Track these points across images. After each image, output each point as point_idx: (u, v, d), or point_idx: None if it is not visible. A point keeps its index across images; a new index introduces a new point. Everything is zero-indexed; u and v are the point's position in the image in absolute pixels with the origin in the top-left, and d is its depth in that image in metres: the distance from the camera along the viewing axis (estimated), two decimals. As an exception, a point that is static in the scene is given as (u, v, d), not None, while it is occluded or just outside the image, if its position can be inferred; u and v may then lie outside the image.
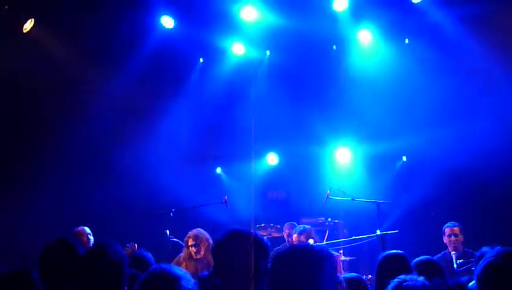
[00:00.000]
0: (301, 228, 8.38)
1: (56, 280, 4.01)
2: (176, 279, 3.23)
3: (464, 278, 4.39)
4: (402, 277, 3.41)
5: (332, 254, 3.06)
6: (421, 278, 3.37)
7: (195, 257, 7.70)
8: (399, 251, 4.97)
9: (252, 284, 3.15)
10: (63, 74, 10.09)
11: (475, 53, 9.68)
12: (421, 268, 4.63)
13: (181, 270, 3.53)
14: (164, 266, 3.59)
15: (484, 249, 4.95)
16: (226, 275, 3.18)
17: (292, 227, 9.05)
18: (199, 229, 7.88)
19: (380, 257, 4.94)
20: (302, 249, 3.01)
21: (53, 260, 4.10)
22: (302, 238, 8.19)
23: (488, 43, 9.54)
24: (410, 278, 3.39)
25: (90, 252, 3.42)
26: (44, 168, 10.07)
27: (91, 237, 8.05)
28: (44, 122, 10.24)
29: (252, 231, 3.37)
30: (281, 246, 8.68)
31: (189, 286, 3.25)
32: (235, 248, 3.23)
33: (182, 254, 7.98)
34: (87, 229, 8.09)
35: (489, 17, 9.49)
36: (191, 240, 7.75)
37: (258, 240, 3.34)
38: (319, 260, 2.88)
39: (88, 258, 3.38)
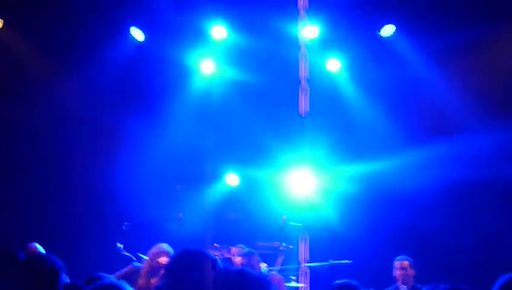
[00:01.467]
0: (245, 251, 8.33)
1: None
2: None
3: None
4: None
5: (270, 281, 3.07)
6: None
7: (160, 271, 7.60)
8: (350, 281, 4.97)
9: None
10: (24, 77, 9.96)
11: (439, 88, 9.88)
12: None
13: (128, 286, 3.48)
14: (111, 280, 3.53)
15: (430, 286, 4.97)
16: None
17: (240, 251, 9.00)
18: (162, 244, 7.77)
19: (332, 285, 4.94)
20: (239, 273, 3.02)
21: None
22: (245, 261, 8.15)
23: (455, 79, 9.73)
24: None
25: (26, 260, 3.35)
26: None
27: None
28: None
29: (203, 251, 3.34)
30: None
31: None
32: (186, 267, 3.20)
33: (142, 266, 7.82)
34: (38, 246, 7.91)
35: (458, 51, 9.68)
36: (162, 258, 7.60)
37: (210, 261, 3.32)
38: (256, 284, 2.90)
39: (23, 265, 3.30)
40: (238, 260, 8.17)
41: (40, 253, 5.40)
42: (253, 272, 2.98)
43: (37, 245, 7.89)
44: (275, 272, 8.08)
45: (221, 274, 2.92)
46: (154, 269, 7.59)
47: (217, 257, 8.11)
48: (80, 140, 10.49)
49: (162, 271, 7.48)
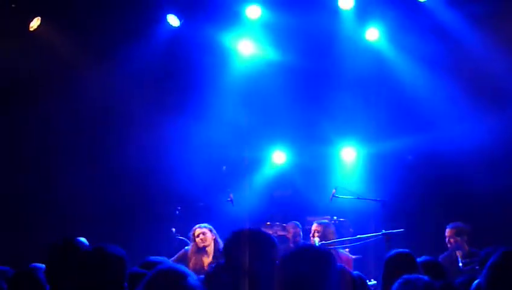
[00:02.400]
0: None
1: (61, 279, 4.03)
2: (182, 276, 3.24)
3: (468, 277, 4.37)
4: (407, 276, 3.43)
5: (333, 254, 3.09)
6: (426, 278, 3.38)
7: (202, 246, 7.81)
8: (405, 250, 4.96)
9: (259, 281, 3.17)
10: (66, 72, 10.12)
11: (480, 55, 9.66)
12: (425, 268, 4.62)
13: (186, 269, 3.55)
14: (170, 264, 3.62)
15: (487, 249, 4.95)
16: (235, 272, 3.20)
17: (296, 227, 9.20)
18: (199, 224, 8.02)
19: (387, 256, 4.94)
20: (309, 249, 3.04)
21: (59, 259, 4.12)
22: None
23: (494, 44, 9.51)
24: (415, 278, 3.41)
25: (90, 250, 3.43)
26: (50, 165, 10.09)
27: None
28: (46, 121, 10.23)
29: (260, 229, 3.39)
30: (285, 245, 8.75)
31: (196, 283, 3.26)
32: (244, 246, 3.25)
33: (189, 248, 8.05)
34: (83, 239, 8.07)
35: (496, 17, 9.45)
36: (197, 230, 7.90)
37: (266, 238, 3.36)
38: (326, 260, 2.90)
39: (87, 254, 3.39)
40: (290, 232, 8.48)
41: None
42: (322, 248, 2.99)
43: (82, 239, 8.05)
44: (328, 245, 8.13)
45: (290, 253, 2.93)
46: (198, 248, 7.83)
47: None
48: (125, 128, 10.60)
49: (208, 248, 7.73)
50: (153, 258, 4.87)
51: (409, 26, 10.16)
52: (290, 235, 9.28)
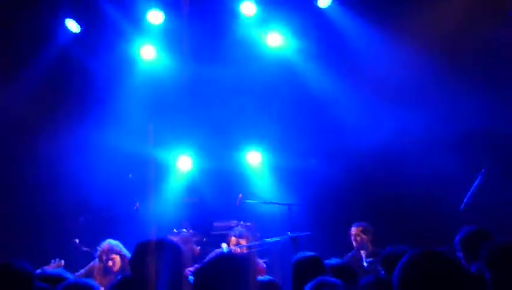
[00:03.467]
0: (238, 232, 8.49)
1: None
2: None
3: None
4: (321, 278, 3.51)
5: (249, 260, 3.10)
6: (338, 282, 3.48)
7: (112, 270, 7.57)
8: (311, 253, 5.05)
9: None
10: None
11: (381, 55, 9.99)
12: (334, 271, 4.71)
13: (93, 282, 3.48)
14: (77, 279, 3.53)
15: (388, 248, 5.11)
16: (141, 285, 3.15)
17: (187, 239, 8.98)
18: (110, 241, 7.73)
19: (294, 259, 5.01)
20: (224, 257, 3.04)
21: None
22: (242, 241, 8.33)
23: (395, 44, 9.84)
24: (328, 281, 3.49)
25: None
26: None
27: None
28: None
29: (164, 238, 3.34)
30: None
31: None
32: (149, 257, 3.20)
33: (95, 264, 7.82)
34: None
35: (397, 21, 9.79)
36: (104, 255, 7.62)
37: (171, 247, 3.32)
38: (242, 266, 2.90)
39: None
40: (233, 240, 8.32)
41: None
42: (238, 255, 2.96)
43: None
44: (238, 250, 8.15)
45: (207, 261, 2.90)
46: (106, 268, 7.59)
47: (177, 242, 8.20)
48: (25, 138, 10.25)
49: (115, 269, 7.50)
50: (49, 271, 4.73)
51: (310, 31, 10.38)
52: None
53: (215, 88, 10.62)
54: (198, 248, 9.03)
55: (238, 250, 8.12)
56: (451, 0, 9.61)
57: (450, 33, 9.48)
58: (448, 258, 2.57)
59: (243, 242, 8.34)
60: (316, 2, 10.09)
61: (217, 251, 8.31)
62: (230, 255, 2.95)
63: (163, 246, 3.26)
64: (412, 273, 2.53)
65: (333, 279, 3.53)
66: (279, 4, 10.08)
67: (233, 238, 8.38)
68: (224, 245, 8.36)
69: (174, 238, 8.74)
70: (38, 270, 5.70)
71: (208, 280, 2.80)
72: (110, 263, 7.55)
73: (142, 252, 3.24)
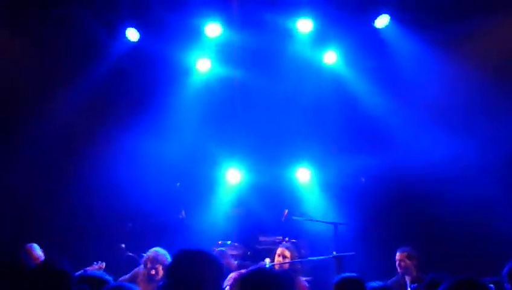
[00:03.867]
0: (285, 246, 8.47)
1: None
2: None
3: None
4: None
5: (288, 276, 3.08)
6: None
7: (154, 279, 7.62)
8: (353, 274, 4.99)
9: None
10: (22, 83, 9.94)
11: (436, 76, 9.87)
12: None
13: (135, 287, 3.51)
14: (119, 283, 3.57)
15: (432, 274, 5.01)
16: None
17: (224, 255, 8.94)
18: (157, 249, 7.77)
19: (336, 279, 4.96)
20: (263, 271, 3.01)
21: (2, 276, 4.02)
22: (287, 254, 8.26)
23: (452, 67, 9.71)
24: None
25: (36, 267, 3.35)
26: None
27: (40, 254, 7.87)
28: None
29: (204, 250, 3.33)
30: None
31: None
32: (186, 267, 3.20)
33: (140, 270, 7.89)
34: (36, 247, 7.87)
35: (455, 42, 9.66)
36: (149, 262, 7.67)
37: (211, 260, 3.32)
38: (279, 282, 2.88)
39: (34, 272, 3.30)
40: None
41: (45, 256, 5.41)
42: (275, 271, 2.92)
43: (35, 246, 7.88)
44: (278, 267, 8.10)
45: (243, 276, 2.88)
46: (150, 277, 7.63)
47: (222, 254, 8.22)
48: (82, 146, 10.46)
49: (157, 277, 7.55)
50: (90, 272, 4.80)
51: (366, 50, 10.34)
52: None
53: (268, 103, 10.65)
54: (236, 262, 9.02)
55: (278, 266, 8.05)
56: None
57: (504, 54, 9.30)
58: (485, 287, 2.50)
59: (287, 254, 8.27)
60: (373, 22, 10.03)
61: (261, 264, 8.28)
62: (269, 270, 2.91)
63: (201, 257, 3.25)
64: None
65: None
66: (336, 22, 10.05)
67: (279, 251, 8.34)
68: (267, 260, 8.33)
69: (215, 249, 8.84)
70: (80, 272, 5.81)
71: None
72: (153, 271, 7.59)
73: (179, 261, 3.24)
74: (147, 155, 10.28)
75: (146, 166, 10.27)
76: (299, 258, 8.54)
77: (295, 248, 8.55)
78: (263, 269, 3.23)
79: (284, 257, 8.25)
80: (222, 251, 8.84)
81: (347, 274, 4.99)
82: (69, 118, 10.21)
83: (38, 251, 7.84)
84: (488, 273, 5.75)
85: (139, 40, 10.31)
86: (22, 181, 9.93)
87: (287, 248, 8.39)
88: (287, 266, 8.11)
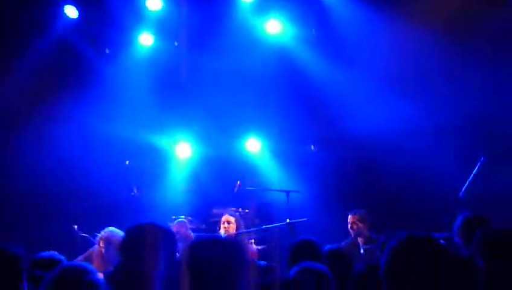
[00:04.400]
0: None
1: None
2: (85, 273, 3.18)
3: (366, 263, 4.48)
4: (306, 263, 3.51)
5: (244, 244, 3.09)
6: (324, 268, 3.48)
7: (109, 258, 7.56)
8: (309, 237, 5.04)
9: (156, 277, 3.11)
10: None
11: (386, 40, 9.92)
12: (330, 257, 4.70)
13: (90, 266, 3.47)
14: (72, 262, 3.53)
15: (386, 235, 5.09)
16: (130, 271, 3.13)
17: (183, 225, 8.96)
18: (111, 229, 7.70)
19: (291, 242, 5.00)
20: (220, 239, 3.04)
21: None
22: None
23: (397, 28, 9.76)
24: (314, 267, 3.50)
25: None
26: None
27: None
28: None
29: (155, 222, 3.30)
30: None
31: (99, 281, 3.19)
32: (138, 242, 3.17)
33: (94, 250, 7.82)
34: None
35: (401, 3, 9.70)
36: (102, 242, 7.60)
37: (163, 231, 3.29)
38: (238, 248, 2.89)
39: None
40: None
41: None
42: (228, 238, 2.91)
43: None
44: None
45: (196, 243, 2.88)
46: (104, 255, 7.57)
47: (174, 229, 8.20)
48: (24, 125, 10.23)
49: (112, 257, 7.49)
50: (46, 253, 4.73)
51: (310, 18, 10.35)
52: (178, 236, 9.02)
53: (214, 75, 10.59)
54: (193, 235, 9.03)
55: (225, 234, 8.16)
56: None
57: (453, 15, 9.38)
58: (437, 242, 2.55)
59: (231, 219, 8.41)
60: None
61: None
62: (218, 237, 2.92)
63: (154, 230, 3.22)
64: (397, 257, 2.51)
65: (319, 265, 3.50)
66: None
67: (223, 219, 8.45)
68: (222, 231, 8.38)
69: (171, 225, 8.80)
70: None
71: (199, 262, 2.77)
72: (107, 250, 7.54)
73: (132, 236, 3.21)
74: (96, 133, 10.14)
75: (95, 144, 10.13)
76: (246, 225, 8.64)
77: (240, 218, 8.64)
78: (210, 236, 3.22)
79: (229, 222, 8.37)
80: (181, 221, 8.82)
81: (302, 237, 5.03)
82: (13, 97, 9.95)
83: None
84: (439, 232, 5.93)
85: (79, 16, 10.10)
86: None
87: (230, 215, 8.50)
88: (233, 232, 8.21)
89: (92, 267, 3.48)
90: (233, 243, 2.92)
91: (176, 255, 3.27)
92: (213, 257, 2.71)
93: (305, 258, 4.00)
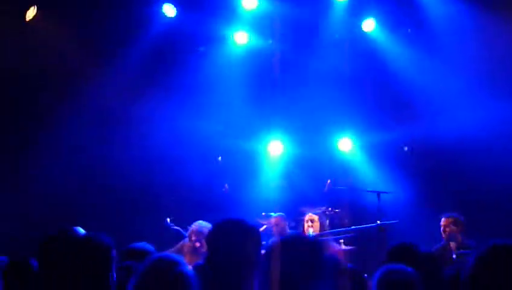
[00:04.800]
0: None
1: (52, 268, 4.05)
2: (176, 264, 3.26)
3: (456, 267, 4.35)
4: (390, 266, 3.45)
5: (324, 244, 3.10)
6: (409, 269, 3.41)
7: (199, 251, 7.72)
8: (408, 242, 4.90)
9: (244, 273, 3.15)
10: (62, 63, 10.05)
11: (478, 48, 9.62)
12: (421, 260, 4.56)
13: (180, 258, 3.56)
14: (163, 253, 3.63)
15: (482, 241, 4.91)
16: (217, 264, 3.18)
17: (283, 219, 9.02)
18: (201, 222, 7.86)
19: (389, 246, 4.87)
20: (301, 239, 3.06)
21: (51, 250, 4.13)
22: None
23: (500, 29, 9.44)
24: (398, 268, 3.43)
25: (79, 240, 3.40)
26: (40, 158, 10.03)
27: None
28: (42, 113, 10.16)
29: (245, 220, 3.34)
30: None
31: (189, 272, 3.27)
32: (226, 237, 3.22)
33: (185, 243, 8.01)
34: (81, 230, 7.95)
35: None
36: (193, 235, 7.78)
37: (250, 230, 3.33)
38: (318, 249, 2.89)
39: (76, 244, 3.36)
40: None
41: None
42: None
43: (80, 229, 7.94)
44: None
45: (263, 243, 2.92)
46: (195, 249, 7.73)
47: (265, 225, 8.29)
48: (122, 125, 10.56)
49: (203, 250, 7.63)
50: (137, 245, 4.87)
51: (404, 16, 10.18)
52: (276, 229, 9.12)
53: (308, 73, 10.59)
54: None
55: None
56: None
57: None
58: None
59: (315, 218, 8.41)
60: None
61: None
62: (300, 235, 2.94)
63: (240, 226, 3.26)
64: (482, 264, 2.41)
65: (405, 267, 3.43)
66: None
67: (306, 217, 8.48)
68: (311, 230, 8.38)
69: (264, 221, 8.90)
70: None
71: (283, 258, 2.80)
72: (198, 244, 7.71)
73: (219, 230, 3.27)
74: (189, 131, 10.34)
75: (189, 141, 10.34)
76: (335, 224, 8.61)
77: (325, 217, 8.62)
78: (296, 234, 3.25)
79: (312, 221, 8.36)
80: (283, 215, 8.93)
81: (401, 242, 4.90)
82: (111, 96, 10.31)
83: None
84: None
85: (176, 15, 10.33)
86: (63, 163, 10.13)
87: (313, 213, 8.49)
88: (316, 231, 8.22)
89: (183, 259, 3.57)
90: (314, 243, 2.94)
91: (259, 252, 3.30)
92: (294, 256, 2.74)
93: (403, 262, 3.92)
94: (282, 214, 9.12)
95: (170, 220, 8.95)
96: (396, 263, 3.70)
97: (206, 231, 7.55)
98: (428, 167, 10.05)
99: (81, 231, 7.73)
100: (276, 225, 8.90)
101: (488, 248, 2.47)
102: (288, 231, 8.98)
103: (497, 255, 2.44)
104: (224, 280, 3.16)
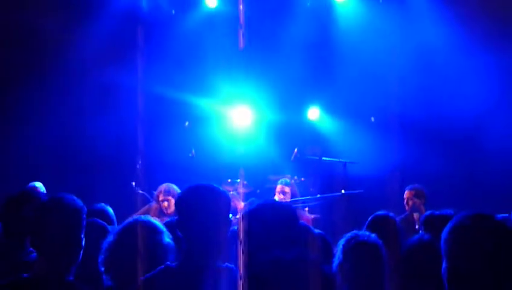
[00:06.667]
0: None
1: (17, 230, 3.99)
2: (157, 231, 3.31)
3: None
4: (354, 232, 3.51)
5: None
6: (373, 235, 3.46)
7: (166, 212, 7.73)
8: (385, 212, 4.91)
9: (214, 238, 3.16)
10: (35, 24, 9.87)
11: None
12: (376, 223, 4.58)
13: (160, 224, 3.57)
14: (144, 217, 3.63)
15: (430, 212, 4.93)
16: (188, 229, 3.18)
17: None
18: (169, 184, 7.88)
19: (370, 219, 4.87)
20: (274, 204, 3.19)
21: (15, 210, 4.07)
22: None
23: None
24: (362, 234, 3.48)
25: (46, 201, 3.35)
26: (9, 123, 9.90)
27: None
28: (12, 77, 10.01)
29: (214, 186, 3.33)
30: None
31: (170, 242, 3.31)
32: (198, 201, 3.21)
33: (151, 206, 8.00)
34: (39, 184, 7.87)
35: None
36: (161, 195, 7.80)
37: (222, 194, 3.32)
38: (291, 214, 2.93)
39: (43, 205, 3.31)
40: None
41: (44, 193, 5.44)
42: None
43: (38, 184, 7.86)
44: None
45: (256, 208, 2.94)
46: (161, 211, 7.74)
47: (230, 192, 8.28)
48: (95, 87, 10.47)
49: (169, 211, 7.64)
50: (96, 206, 4.83)
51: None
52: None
53: (279, 41, 10.53)
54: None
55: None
56: None
57: None
58: (497, 219, 2.45)
59: (287, 190, 8.42)
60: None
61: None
62: (273, 202, 2.98)
63: (210, 192, 3.25)
64: (465, 236, 2.41)
65: (371, 236, 3.48)
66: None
67: (278, 188, 8.47)
68: (276, 197, 8.41)
69: (230, 188, 8.90)
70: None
71: (252, 224, 2.82)
72: (166, 203, 7.74)
73: (189, 196, 3.25)
74: (156, 96, 10.26)
75: (155, 106, 10.26)
76: (301, 193, 8.65)
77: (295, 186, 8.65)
78: (268, 201, 3.27)
79: (284, 192, 8.38)
80: (233, 194, 8.91)
81: (379, 212, 4.90)
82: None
83: (41, 190, 7.85)
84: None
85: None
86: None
87: (285, 184, 8.51)
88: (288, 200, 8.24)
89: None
90: (290, 208, 2.99)
91: (228, 217, 3.31)
92: (269, 220, 2.77)
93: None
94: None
95: (135, 185, 8.91)
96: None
97: (174, 191, 7.59)
98: (395, 139, 10.12)
99: (41, 186, 7.66)
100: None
101: (461, 217, 2.47)
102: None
103: (467, 223, 2.44)
104: (195, 244, 3.16)
